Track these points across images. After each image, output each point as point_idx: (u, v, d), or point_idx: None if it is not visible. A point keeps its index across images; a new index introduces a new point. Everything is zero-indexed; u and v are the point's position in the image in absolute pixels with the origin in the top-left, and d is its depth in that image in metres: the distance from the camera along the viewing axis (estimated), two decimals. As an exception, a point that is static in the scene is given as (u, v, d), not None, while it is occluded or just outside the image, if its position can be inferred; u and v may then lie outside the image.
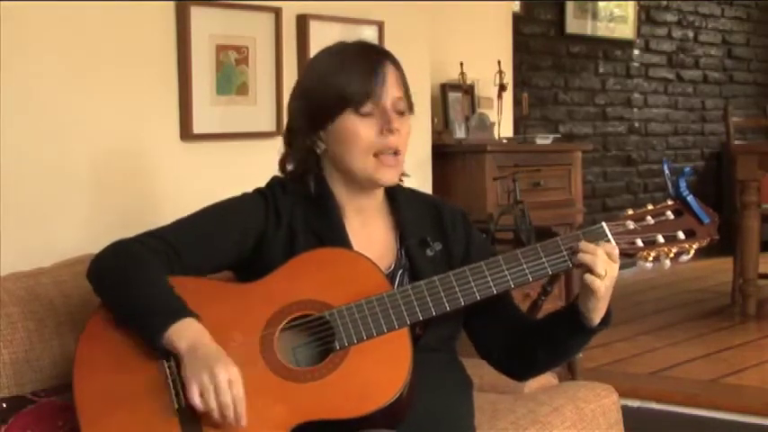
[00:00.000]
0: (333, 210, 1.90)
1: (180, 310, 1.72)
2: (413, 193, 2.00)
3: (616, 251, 1.76)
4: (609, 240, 1.77)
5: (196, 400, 1.65)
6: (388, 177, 1.87)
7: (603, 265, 1.74)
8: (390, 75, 1.85)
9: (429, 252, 1.91)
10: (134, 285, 1.76)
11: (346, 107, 1.83)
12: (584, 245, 1.76)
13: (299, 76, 1.97)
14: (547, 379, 2.55)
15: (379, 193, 1.95)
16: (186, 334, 1.69)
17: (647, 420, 3.70)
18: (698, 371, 4.27)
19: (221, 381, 1.64)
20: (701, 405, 3.78)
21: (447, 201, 2.07)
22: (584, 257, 1.75)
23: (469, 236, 1.98)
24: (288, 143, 1.94)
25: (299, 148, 1.90)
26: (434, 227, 1.96)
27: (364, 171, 1.85)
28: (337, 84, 1.83)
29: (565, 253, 1.78)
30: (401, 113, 1.86)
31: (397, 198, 1.96)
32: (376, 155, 1.84)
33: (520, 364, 1.97)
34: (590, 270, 1.74)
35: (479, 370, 1.99)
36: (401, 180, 1.97)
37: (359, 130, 1.83)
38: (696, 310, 5.64)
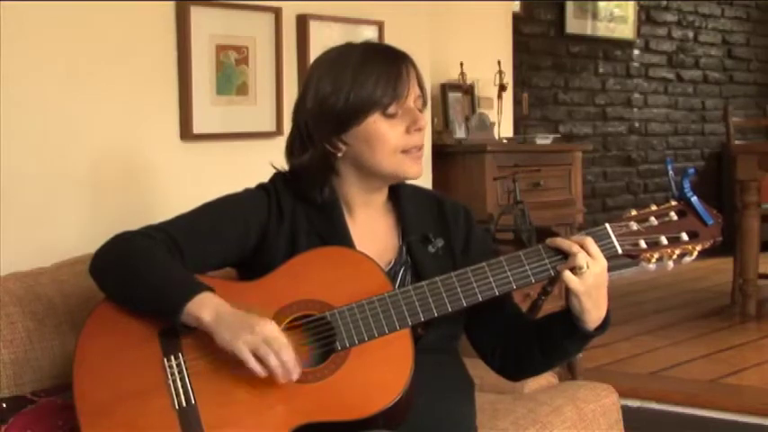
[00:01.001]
0: (336, 207, 1.89)
1: (195, 285, 1.72)
2: (415, 189, 1.99)
3: (587, 240, 1.73)
4: (607, 239, 1.77)
5: (252, 361, 1.64)
6: (416, 171, 1.87)
7: (584, 258, 1.72)
8: (412, 75, 1.86)
9: (431, 248, 1.91)
10: (144, 268, 1.75)
11: (375, 110, 1.82)
12: (559, 240, 1.75)
13: (306, 85, 1.90)
14: (547, 379, 2.56)
15: (386, 189, 1.95)
16: (207, 305, 1.69)
17: (647, 420, 3.70)
18: (698, 371, 4.26)
19: (266, 332, 1.64)
20: (701, 405, 3.78)
21: (450, 197, 2.06)
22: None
23: (470, 231, 1.97)
24: (299, 152, 1.88)
25: (317, 157, 1.86)
26: (436, 222, 1.95)
27: (390, 168, 1.85)
28: (365, 87, 1.81)
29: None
30: (419, 110, 1.87)
31: (400, 194, 1.95)
32: (402, 152, 1.85)
33: (516, 365, 1.96)
34: (571, 267, 1.73)
35: (480, 370, 1.99)
36: None
37: (387, 130, 1.83)
38: (696, 310, 5.64)
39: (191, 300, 1.69)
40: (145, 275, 1.74)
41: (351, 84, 1.82)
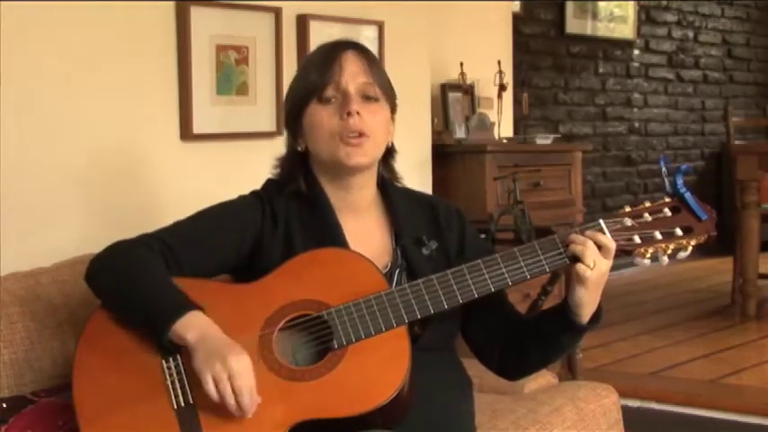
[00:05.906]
0: (328, 210, 1.90)
1: (184, 304, 1.73)
2: (407, 191, 2.00)
3: (611, 245, 1.76)
4: (602, 231, 1.78)
5: (211, 389, 1.65)
6: (353, 159, 1.86)
7: (592, 256, 1.74)
8: (351, 61, 1.88)
9: (425, 251, 1.91)
10: (135, 283, 1.76)
11: (311, 98, 1.87)
12: (573, 236, 1.77)
13: None
14: (547, 379, 2.56)
15: (370, 191, 1.95)
16: (193, 326, 1.70)
17: (647, 420, 3.70)
18: (698, 371, 4.26)
19: (234, 368, 1.64)
20: (701, 405, 3.78)
21: (443, 199, 2.07)
22: (574, 248, 1.76)
23: (463, 233, 1.98)
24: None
25: (288, 151, 1.96)
26: (430, 225, 1.96)
27: (330, 155, 1.87)
28: (302, 78, 1.91)
29: (562, 250, 1.78)
30: (369, 98, 1.87)
31: (392, 196, 1.96)
32: (341, 138, 1.85)
33: (512, 363, 1.96)
34: (580, 260, 1.75)
35: (479, 370, 1.99)
36: (397, 180, 1.99)
37: (321, 116, 1.86)
38: (696, 310, 5.64)
39: (178, 321, 1.70)
40: (136, 293, 1.75)
41: (297, 77, 1.94)
